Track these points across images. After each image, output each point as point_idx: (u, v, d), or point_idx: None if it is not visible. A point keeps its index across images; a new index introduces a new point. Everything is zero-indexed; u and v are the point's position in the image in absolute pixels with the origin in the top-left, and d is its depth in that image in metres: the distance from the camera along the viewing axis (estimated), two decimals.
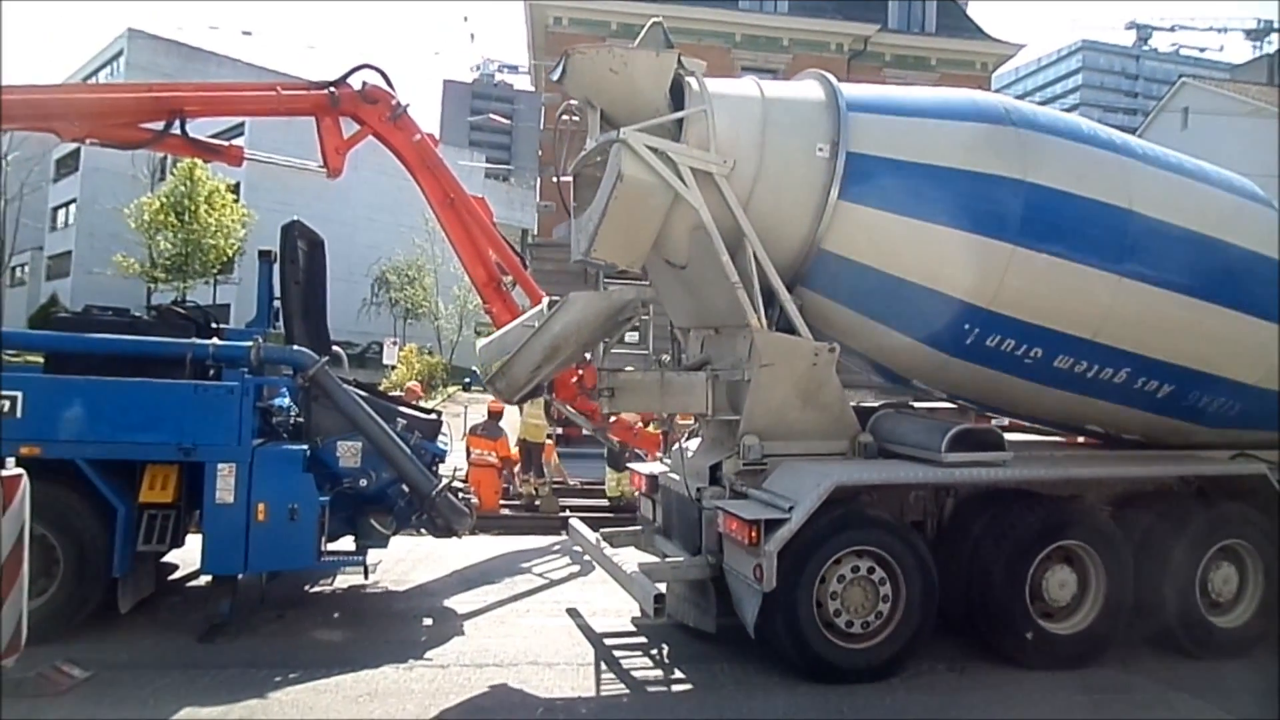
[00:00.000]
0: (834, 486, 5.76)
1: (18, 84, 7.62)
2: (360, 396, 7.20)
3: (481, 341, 7.77)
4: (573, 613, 7.59)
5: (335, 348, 8.28)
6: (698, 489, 6.49)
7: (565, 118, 6.89)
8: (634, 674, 6.26)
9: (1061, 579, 6.31)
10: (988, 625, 6.31)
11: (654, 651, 6.66)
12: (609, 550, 7.03)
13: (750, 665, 6.14)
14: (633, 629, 7.13)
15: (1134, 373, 6.73)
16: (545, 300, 7.84)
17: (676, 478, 7.01)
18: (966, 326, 6.37)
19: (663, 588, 5.99)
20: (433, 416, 8.09)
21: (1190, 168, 7.12)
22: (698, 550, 6.41)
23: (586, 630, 7.12)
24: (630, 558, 6.94)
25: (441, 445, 7.95)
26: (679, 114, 6.23)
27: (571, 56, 6.27)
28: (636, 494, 8.18)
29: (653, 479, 7.69)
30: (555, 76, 6.42)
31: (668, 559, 6.85)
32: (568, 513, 11.65)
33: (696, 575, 6.38)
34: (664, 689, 6.07)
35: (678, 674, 6.23)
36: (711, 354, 6.93)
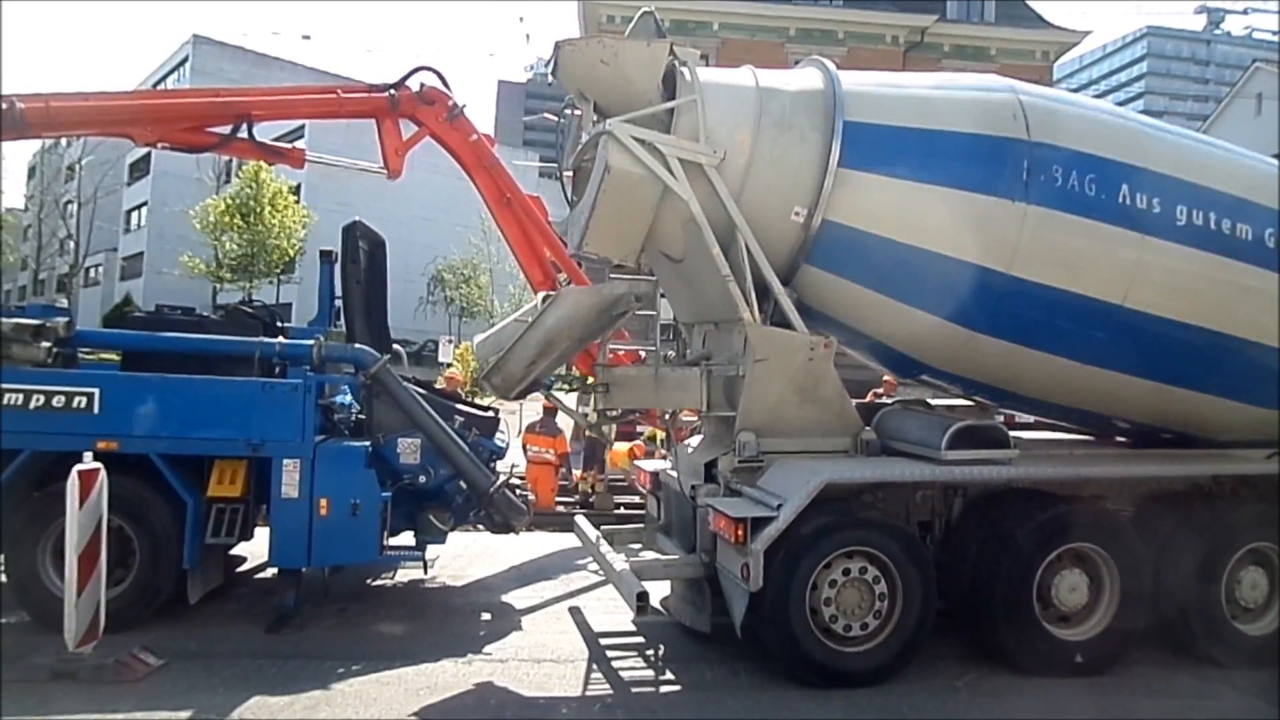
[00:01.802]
0: (824, 484, 5.61)
1: (95, 90, 7.88)
2: (419, 394, 7.31)
3: (478, 337, 7.80)
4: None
5: (395, 346, 8.41)
6: (692, 486, 6.41)
7: (568, 111, 6.82)
8: (691, 670, 6.22)
9: (1072, 583, 6.06)
10: (992, 629, 6.07)
11: (714, 649, 6.62)
12: (605, 548, 6.93)
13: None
14: (690, 628, 7.07)
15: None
16: (540, 295, 7.83)
17: (675, 474, 6.96)
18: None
19: (647, 586, 5.89)
20: (490, 414, 8.18)
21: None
22: (694, 548, 6.33)
23: (641, 627, 7.11)
24: (641, 556, 6.91)
25: (499, 442, 8.03)
26: (668, 104, 6.13)
27: (561, 48, 6.18)
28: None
29: (655, 476, 7.61)
30: (548, 69, 6.36)
31: (663, 557, 6.79)
32: (623, 510, 11.70)
33: (690, 574, 6.30)
34: (722, 687, 5.99)
35: (737, 673, 6.14)
36: (712, 349, 6.81)
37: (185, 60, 57.15)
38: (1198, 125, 38.71)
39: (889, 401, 8.58)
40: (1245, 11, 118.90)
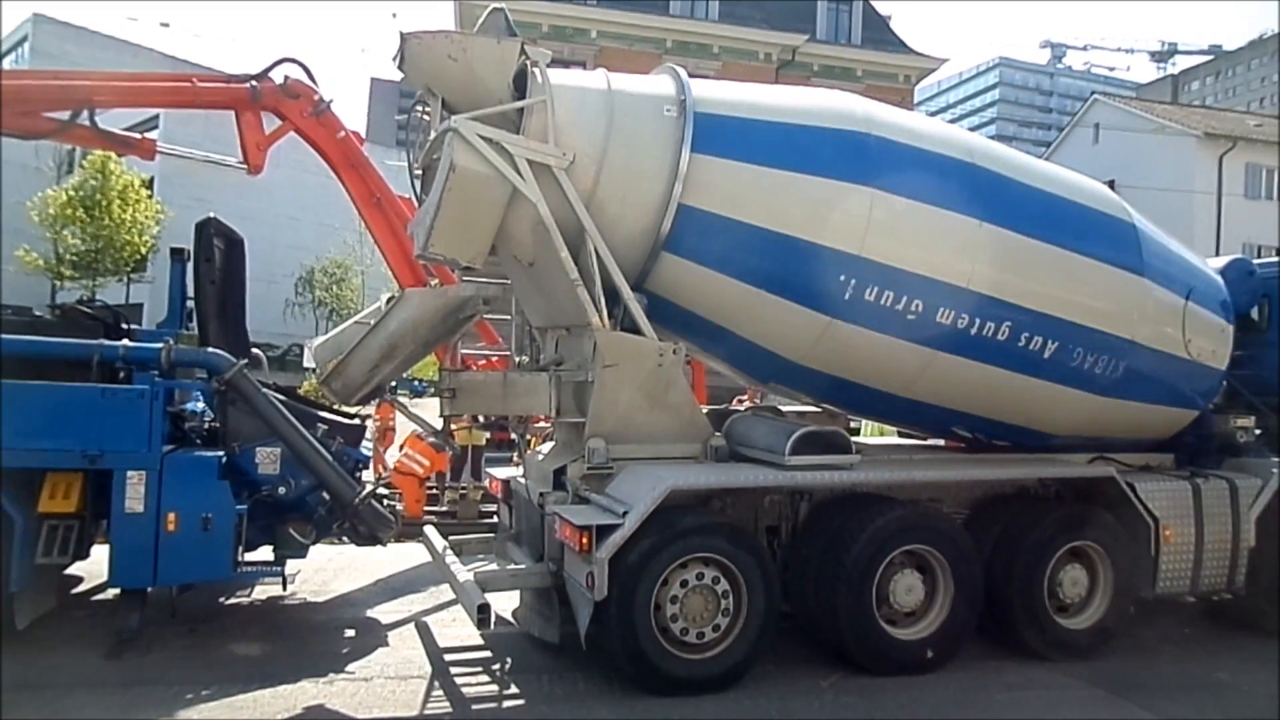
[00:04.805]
0: (668, 491, 5.59)
1: None
2: (280, 400, 6.96)
3: (316, 340, 7.55)
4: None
5: (254, 350, 8.00)
6: (541, 494, 6.34)
7: (419, 108, 6.64)
8: (534, 682, 6.08)
9: (909, 584, 6.25)
10: (834, 629, 6.19)
11: (562, 660, 6.53)
12: (450, 558, 6.79)
13: None
14: (539, 638, 6.79)
15: (1015, 328, 6.59)
16: (384, 297, 7.63)
17: (525, 482, 6.88)
18: (843, 278, 6.21)
19: (496, 597, 5.80)
20: (356, 421, 7.88)
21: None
22: (543, 557, 6.26)
23: (513, 638, 6.99)
24: (488, 567, 6.81)
25: (365, 451, 7.74)
26: (518, 104, 6.04)
27: (408, 41, 6.00)
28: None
29: (507, 484, 7.49)
30: (395, 62, 6.16)
31: (510, 567, 6.71)
32: (495, 519, 11.48)
33: (537, 583, 6.22)
34: (564, 698, 5.87)
35: (576, 683, 6.02)
36: (564, 354, 6.73)
37: (24, 40, 52.88)
38: (1043, 151, 41.65)
39: (742, 408, 8.76)
40: (1085, 48, 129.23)
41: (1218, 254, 11.25)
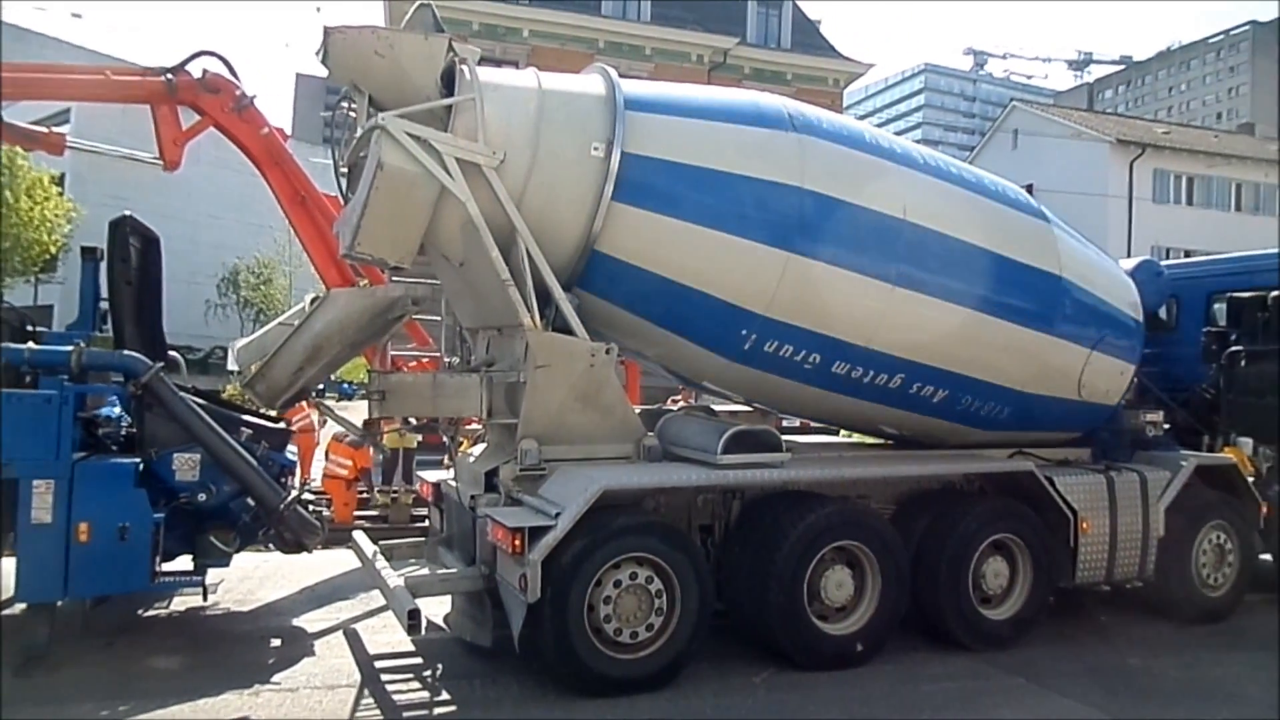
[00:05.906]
0: (601, 491, 5.57)
1: None
2: (200, 405, 6.74)
3: (240, 342, 7.38)
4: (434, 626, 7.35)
5: (172, 353, 7.74)
6: (472, 496, 6.29)
7: (345, 105, 6.48)
8: (466, 688, 5.99)
9: (839, 579, 6.33)
10: (766, 626, 6.24)
11: (494, 664, 6.45)
12: (381, 563, 6.68)
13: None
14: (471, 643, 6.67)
15: (908, 379, 6.83)
16: (308, 298, 7.49)
17: (456, 484, 6.83)
18: (744, 332, 6.35)
19: (427, 602, 5.76)
20: (280, 425, 7.68)
21: (972, 180, 7.24)
22: (474, 560, 6.20)
23: (444, 644, 6.90)
24: (419, 571, 6.75)
25: (290, 456, 7.55)
26: (446, 101, 5.96)
27: (332, 35, 5.86)
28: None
29: (437, 487, 7.41)
30: (319, 57, 6.03)
31: (440, 571, 6.64)
32: (426, 523, 11.33)
33: (468, 587, 6.15)
34: (495, 702, 5.85)
35: (510, 686, 6.01)
36: (495, 355, 6.67)
37: None
38: (966, 155, 42.87)
39: (675, 408, 8.82)
40: (1005, 56, 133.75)
41: (1129, 255, 11.74)
